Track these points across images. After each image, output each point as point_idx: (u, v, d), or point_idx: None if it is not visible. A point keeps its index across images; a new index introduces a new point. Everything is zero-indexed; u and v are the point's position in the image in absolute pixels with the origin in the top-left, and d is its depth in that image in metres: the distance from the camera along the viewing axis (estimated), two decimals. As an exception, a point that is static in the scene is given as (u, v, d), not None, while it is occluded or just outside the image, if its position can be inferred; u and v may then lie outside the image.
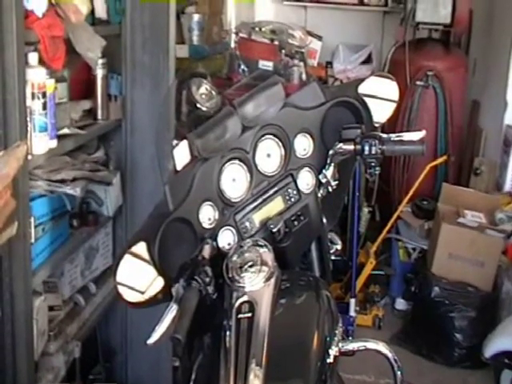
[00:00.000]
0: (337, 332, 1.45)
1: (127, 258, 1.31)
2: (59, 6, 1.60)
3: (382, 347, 1.61)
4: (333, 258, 3.54)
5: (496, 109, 3.63)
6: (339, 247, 1.75)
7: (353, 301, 3.07)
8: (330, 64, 4.47)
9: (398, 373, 1.56)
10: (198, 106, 2.07)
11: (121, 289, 1.33)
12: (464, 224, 2.96)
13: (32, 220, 1.66)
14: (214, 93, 2.18)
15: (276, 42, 3.53)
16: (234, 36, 3.87)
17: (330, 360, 1.39)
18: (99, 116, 2.12)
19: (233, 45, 3.87)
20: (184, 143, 1.40)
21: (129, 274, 1.32)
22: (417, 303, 3.16)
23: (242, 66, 3.24)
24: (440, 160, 3.43)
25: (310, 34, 4.40)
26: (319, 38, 4.48)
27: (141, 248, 1.32)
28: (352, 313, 3.04)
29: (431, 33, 3.99)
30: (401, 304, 3.36)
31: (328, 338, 1.40)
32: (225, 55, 3.73)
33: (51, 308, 1.95)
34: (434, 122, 3.69)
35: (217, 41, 3.79)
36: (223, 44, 3.81)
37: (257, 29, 3.49)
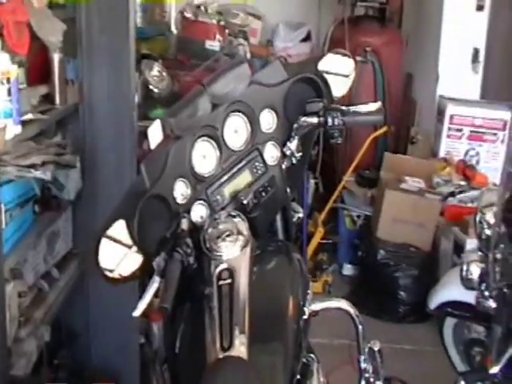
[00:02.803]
0: (309, 293, 1.57)
1: (104, 241, 1.33)
2: (20, -9, 1.64)
3: (344, 304, 1.75)
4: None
5: (428, 81, 3.85)
6: (301, 215, 1.82)
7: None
8: (270, 42, 4.59)
9: (360, 327, 1.70)
10: (151, 87, 2.13)
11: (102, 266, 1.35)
12: (406, 189, 3.17)
13: (2, 206, 1.71)
14: (164, 74, 2.25)
15: (222, 23, 3.62)
16: (176, 17, 3.94)
17: (304, 326, 1.51)
18: (57, 101, 2.12)
19: (174, 25, 3.93)
20: (157, 122, 1.45)
21: (107, 255, 1.34)
22: (363, 267, 3.36)
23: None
24: (381, 131, 3.62)
25: (250, 13, 4.52)
26: (259, 17, 4.59)
27: (119, 226, 1.35)
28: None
29: (367, 10, 4.18)
30: (348, 269, 3.56)
31: (302, 300, 1.51)
32: (166, 36, 3.78)
33: (18, 294, 1.93)
34: (373, 95, 3.88)
35: (158, 22, 3.84)
36: (164, 25, 3.87)
37: (202, 9, 3.56)
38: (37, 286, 2.13)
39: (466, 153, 3.49)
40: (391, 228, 3.16)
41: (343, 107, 1.65)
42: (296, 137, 1.64)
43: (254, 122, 1.60)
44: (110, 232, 1.33)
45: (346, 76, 1.75)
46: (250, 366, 1.25)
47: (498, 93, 3.79)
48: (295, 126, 1.64)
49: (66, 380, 2.35)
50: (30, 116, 1.86)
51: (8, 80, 1.70)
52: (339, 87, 1.74)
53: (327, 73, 1.72)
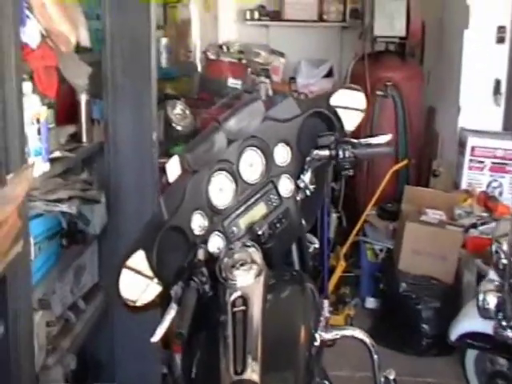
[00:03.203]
0: (321, 322, 1.61)
1: (125, 271, 1.40)
2: (50, 37, 1.75)
3: (359, 333, 1.76)
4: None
5: (450, 113, 3.89)
6: (317, 246, 1.89)
7: (326, 302, 3.26)
8: (293, 79, 4.70)
9: (375, 356, 1.71)
10: (173, 125, 2.22)
11: (123, 296, 1.41)
12: (426, 221, 3.19)
13: (31, 239, 1.80)
14: (187, 112, 2.34)
15: (243, 61, 3.74)
16: (200, 56, 4.07)
17: (316, 349, 1.55)
18: (84, 139, 2.24)
19: (199, 65, 4.06)
20: (175, 158, 1.53)
21: (128, 285, 1.41)
22: (385, 300, 3.36)
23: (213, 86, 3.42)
24: (402, 164, 3.66)
25: (272, 51, 4.64)
26: (282, 54, 4.71)
27: (139, 256, 1.41)
28: (326, 313, 3.23)
29: (388, 45, 4.26)
30: (370, 302, 3.55)
31: (313, 329, 1.55)
32: (191, 76, 3.91)
33: (46, 324, 2.03)
34: (394, 129, 3.93)
35: (183, 62, 3.97)
36: (189, 65, 4.00)
37: (224, 49, 3.68)
38: (64, 317, 2.23)
39: (489, 184, 3.50)
40: (413, 260, 3.17)
41: (354, 140, 1.72)
42: (309, 169, 1.71)
43: (268, 156, 1.67)
44: (129, 263, 1.40)
45: (358, 110, 1.82)
46: (262, 389, 1.29)
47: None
48: (308, 159, 1.71)
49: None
50: (57, 154, 1.96)
51: (38, 120, 1.81)
52: (351, 121, 1.82)
53: (339, 107, 1.79)
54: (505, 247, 1.87)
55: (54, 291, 2.16)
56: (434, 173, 3.79)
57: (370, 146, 1.73)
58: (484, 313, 1.93)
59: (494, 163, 3.49)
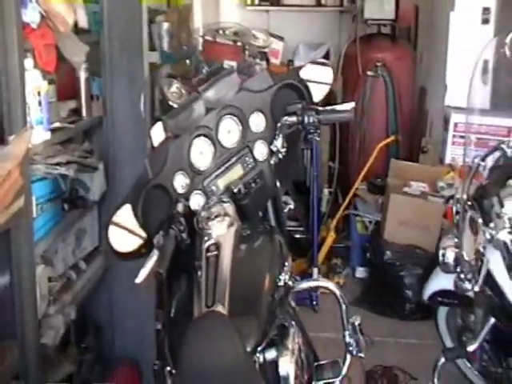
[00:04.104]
0: (285, 270, 1.80)
1: (112, 227, 1.60)
2: (49, 18, 1.94)
3: (330, 285, 2.00)
4: (298, 236, 3.91)
5: (439, 93, 4.04)
6: (292, 207, 2.10)
7: (315, 270, 3.47)
8: (291, 62, 4.87)
9: (343, 306, 1.93)
10: (170, 103, 2.44)
11: (112, 242, 1.63)
12: (409, 193, 3.36)
13: (33, 198, 2.01)
14: (183, 91, 2.57)
15: (239, 44, 3.91)
16: (200, 40, 4.25)
17: (280, 296, 1.74)
18: (84, 113, 2.41)
19: (200, 48, 4.24)
20: (159, 124, 1.72)
21: (117, 237, 1.62)
22: (372, 268, 3.55)
23: (205, 68, 3.59)
24: (388, 140, 3.84)
25: (272, 35, 4.79)
26: (281, 38, 4.85)
27: (126, 209, 1.62)
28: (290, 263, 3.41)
29: (380, 28, 4.42)
30: (360, 272, 3.75)
31: (277, 276, 1.74)
32: (191, 58, 4.09)
33: (49, 279, 2.21)
34: (385, 108, 4.11)
35: (186, 46, 4.14)
36: (191, 48, 4.18)
37: (221, 32, 3.86)
38: (66, 275, 2.41)
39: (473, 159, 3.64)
40: (397, 230, 3.35)
41: (319, 107, 1.90)
42: (280, 135, 1.89)
43: (244, 123, 1.86)
44: (116, 218, 1.61)
45: (325, 83, 2.00)
46: (228, 319, 1.48)
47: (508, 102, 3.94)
48: (279, 125, 1.89)
49: (92, 362, 2.63)
50: (58, 124, 2.16)
51: (39, 93, 2.00)
52: (319, 93, 1.99)
53: (308, 80, 1.98)
54: (459, 207, 2.05)
55: (57, 251, 2.36)
56: (423, 149, 3.96)
57: (332, 111, 1.91)
58: (444, 267, 2.11)
59: (478, 138, 3.64)
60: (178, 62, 3.82)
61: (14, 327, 1.95)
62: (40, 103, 2.01)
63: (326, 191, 4.00)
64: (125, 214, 1.63)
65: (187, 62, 3.92)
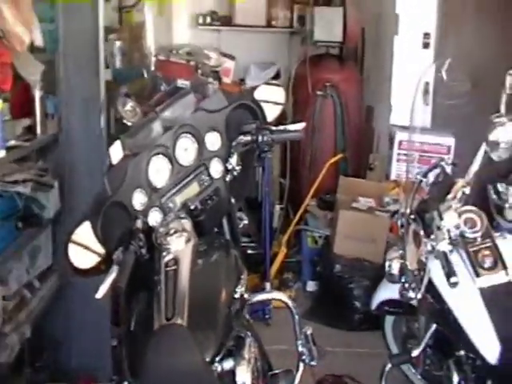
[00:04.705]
0: (241, 283, 1.86)
1: (71, 245, 1.64)
2: (5, 37, 1.97)
3: (282, 296, 2.08)
4: (250, 251, 3.98)
5: (384, 112, 4.23)
6: (246, 222, 2.15)
7: (267, 284, 3.56)
8: (243, 81, 4.98)
9: (296, 316, 2.00)
10: (124, 121, 2.49)
11: (72, 260, 1.67)
12: (357, 208, 3.50)
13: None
14: (137, 110, 2.63)
15: (192, 63, 3.99)
16: (153, 59, 4.31)
17: (236, 308, 1.80)
18: (38, 131, 2.43)
19: (153, 67, 4.30)
20: (117, 143, 1.77)
21: (76, 255, 1.66)
22: (322, 282, 3.66)
23: (163, 86, 3.66)
24: (337, 157, 3.99)
25: (223, 54, 4.90)
26: (232, 58, 4.96)
27: (85, 227, 1.66)
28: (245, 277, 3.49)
29: (328, 49, 4.58)
30: (311, 286, 3.84)
31: (234, 287, 1.80)
32: (146, 77, 4.14)
33: (3, 298, 2.21)
34: (333, 126, 4.27)
35: (138, 64, 4.20)
36: (144, 67, 4.23)
37: (174, 51, 3.93)
38: (20, 294, 2.41)
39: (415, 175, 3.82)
40: (346, 244, 3.47)
41: (272, 127, 1.99)
42: (235, 153, 1.96)
43: (200, 142, 1.92)
44: (75, 237, 1.65)
45: (278, 103, 2.10)
46: (187, 331, 1.54)
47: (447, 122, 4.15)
48: (234, 143, 1.96)
49: (47, 381, 2.63)
50: (12, 142, 2.18)
51: (-5, 112, 2.03)
52: (272, 112, 2.08)
53: (262, 100, 2.07)
54: (403, 221, 2.17)
55: (11, 270, 2.36)
56: (370, 166, 4.12)
57: (285, 131, 2.00)
58: (390, 278, 2.22)
59: (420, 156, 3.82)
60: (131, 80, 3.88)
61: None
62: (-3, 122, 2.04)
63: (277, 207, 4.10)
64: (84, 231, 1.67)
65: (144, 78, 3.99)
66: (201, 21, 5.32)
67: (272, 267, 3.77)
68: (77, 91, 2.56)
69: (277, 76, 5.05)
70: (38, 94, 2.44)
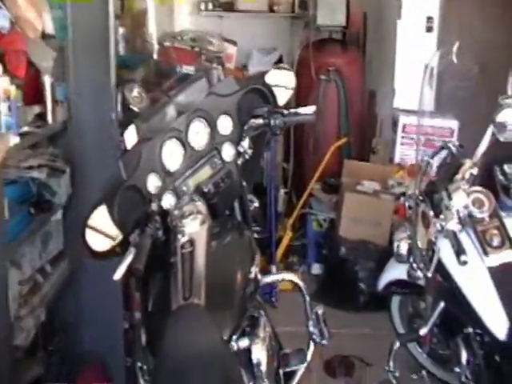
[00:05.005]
0: (255, 264, 1.91)
1: (88, 230, 1.67)
2: (19, 24, 2.00)
3: (292, 277, 2.12)
4: (256, 236, 4.05)
5: (387, 96, 4.25)
6: (257, 205, 2.17)
7: (273, 267, 3.61)
8: (245, 67, 5.00)
9: (307, 297, 2.06)
10: (131, 107, 2.53)
11: (89, 243, 1.70)
12: (362, 191, 3.54)
13: (6, 201, 2.05)
14: (143, 95, 2.66)
15: (196, 49, 4.02)
16: (156, 45, 4.33)
17: (251, 289, 1.85)
18: (49, 118, 2.44)
19: (156, 53, 4.32)
20: (132, 127, 1.81)
21: (93, 238, 1.69)
22: (328, 264, 3.71)
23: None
24: (341, 141, 4.02)
25: (226, 40, 4.92)
26: (234, 43, 4.99)
27: (101, 210, 1.69)
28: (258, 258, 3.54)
29: (331, 34, 4.60)
30: (316, 268, 3.89)
31: (248, 267, 1.85)
32: (149, 63, 4.16)
33: (18, 282, 2.24)
34: (337, 110, 4.30)
35: (141, 51, 4.21)
36: (146, 53, 4.25)
37: (179, 38, 3.95)
38: (33, 279, 2.44)
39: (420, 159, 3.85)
40: (351, 227, 3.52)
41: (283, 110, 2.02)
42: (247, 136, 1.99)
43: (212, 126, 1.95)
44: (91, 222, 1.67)
45: (288, 88, 2.13)
46: (205, 310, 1.58)
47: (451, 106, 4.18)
48: (245, 127, 1.99)
49: (59, 364, 2.68)
50: (26, 129, 2.21)
51: (8, 98, 2.05)
52: (282, 96, 2.11)
53: (272, 85, 2.10)
54: (412, 202, 2.21)
55: (24, 254, 2.40)
56: (373, 150, 4.16)
57: (296, 114, 2.03)
58: (398, 258, 2.27)
59: (424, 139, 3.85)
60: (135, 66, 3.90)
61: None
62: (10, 108, 2.06)
63: (281, 191, 4.14)
64: (100, 215, 1.70)
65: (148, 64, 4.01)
66: (203, 7, 5.31)
67: (278, 251, 3.82)
68: (87, 78, 2.57)
69: (279, 61, 5.07)
70: (48, 81, 2.45)
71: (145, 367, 1.80)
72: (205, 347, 1.52)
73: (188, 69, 3.82)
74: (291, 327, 3.26)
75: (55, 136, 2.63)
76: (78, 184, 2.66)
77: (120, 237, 1.72)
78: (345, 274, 3.53)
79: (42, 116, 2.50)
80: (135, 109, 2.64)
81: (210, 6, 5.31)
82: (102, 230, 1.70)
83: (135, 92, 3.16)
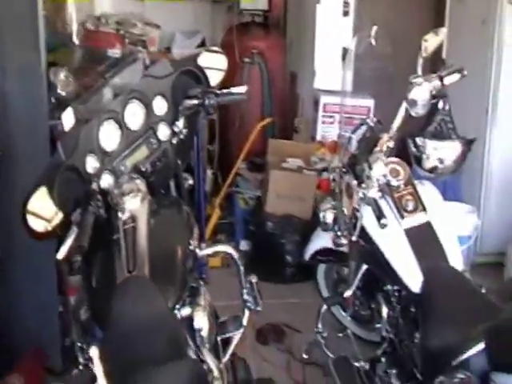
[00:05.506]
0: (194, 237, 2.02)
1: (28, 216, 1.65)
2: None
3: (228, 248, 2.23)
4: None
5: (308, 77, 4.43)
6: (191, 182, 2.26)
7: (203, 245, 3.69)
8: (168, 49, 5.04)
9: (241, 267, 2.18)
10: (59, 91, 2.55)
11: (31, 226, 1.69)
12: (287, 168, 3.71)
13: None
14: (70, 79, 2.69)
15: (121, 32, 4.03)
16: (78, 28, 4.29)
17: (190, 262, 1.95)
18: None
19: (75, 36, 4.29)
20: (69, 109, 1.83)
21: (33, 220, 1.67)
22: (255, 240, 3.85)
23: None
24: (266, 121, 4.18)
25: (148, 23, 4.94)
26: (157, 27, 5.01)
27: (41, 192, 1.68)
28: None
29: (254, 18, 4.73)
30: (244, 245, 3.99)
31: (187, 241, 1.96)
32: (69, 46, 4.13)
33: None
34: (260, 91, 4.44)
35: (61, 33, 4.17)
36: (66, 36, 4.21)
37: (103, 21, 3.95)
38: None
39: (339, 136, 4.07)
40: (277, 203, 3.68)
41: (216, 91, 2.13)
42: (182, 117, 2.06)
43: (148, 107, 2.00)
44: (30, 206, 1.67)
45: (220, 69, 2.23)
46: (149, 280, 1.66)
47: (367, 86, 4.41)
48: (180, 108, 2.05)
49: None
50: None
51: None
52: (215, 78, 2.21)
53: (205, 67, 2.20)
54: (335, 175, 2.39)
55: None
56: (296, 129, 4.34)
57: (229, 94, 2.14)
58: (324, 227, 2.45)
59: (343, 118, 4.06)
60: (56, 49, 3.86)
61: None
62: None
63: (209, 172, 4.25)
64: (40, 197, 1.70)
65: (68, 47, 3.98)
66: (124, -11, 5.29)
67: (206, 229, 3.93)
68: (13, 60, 2.53)
69: (202, 44, 5.14)
70: (-27, 62, 2.44)
71: (84, 346, 1.87)
72: (152, 314, 1.61)
73: (114, 52, 3.84)
74: (223, 302, 3.40)
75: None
76: (9, 169, 2.62)
77: (60, 217, 1.73)
78: (272, 249, 3.69)
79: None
80: (62, 93, 2.66)
81: (132, -11, 5.30)
82: (41, 212, 1.70)
83: (62, 76, 3.17)
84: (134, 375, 1.44)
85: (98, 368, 1.53)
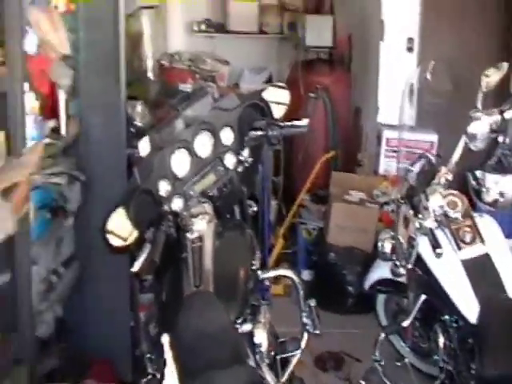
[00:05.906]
0: (256, 259, 2.16)
1: (108, 225, 1.85)
2: (43, 46, 2.23)
3: (289, 273, 2.35)
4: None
5: (371, 112, 4.53)
6: (255, 209, 2.39)
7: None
8: (237, 85, 5.27)
9: (301, 291, 2.28)
10: (135, 122, 2.76)
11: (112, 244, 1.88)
12: (349, 200, 3.80)
13: (32, 205, 2.26)
14: (146, 112, 2.90)
15: (193, 68, 4.27)
16: (152, 65, 4.57)
17: (252, 283, 2.09)
18: (63, 131, 2.64)
19: (151, 72, 4.56)
20: (146, 138, 2.03)
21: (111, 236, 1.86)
22: (317, 269, 3.94)
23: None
24: (329, 155, 4.28)
25: (218, 60, 5.20)
26: (227, 63, 5.27)
27: (119, 211, 1.87)
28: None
29: (319, 54, 4.90)
30: (306, 275, 4.07)
31: (250, 261, 2.10)
32: (143, 82, 4.40)
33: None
34: (324, 125, 4.57)
35: (137, 69, 4.45)
36: (143, 72, 4.49)
37: (176, 57, 4.20)
38: (48, 279, 2.62)
39: (398, 169, 4.13)
40: (339, 234, 3.76)
41: (280, 123, 2.27)
42: (247, 146, 2.22)
43: (216, 137, 2.16)
44: (110, 225, 1.85)
45: (283, 103, 2.38)
46: (213, 295, 1.81)
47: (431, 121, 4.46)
48: (246, 138, 2.21)
49: (70, 359, 2.86)
50: (47, 140, 2.44)
51: (33, 112, 2.29)
52: (278, 111, 2.35)
53: (269, 100, 2.35)
54: (394, 206, 2.47)
55: (40, 256, 2.61)
56: (359, 163, 4.42)
57: (292, 126, 2.27)
58: (383, 256, 2.52)
59: (406, 152, 4.13)
60: (133, 84, 4.12)
61: (14, 321, 2.20)
62: (35, 121, 2.30)
63: (273, 203, 4.38)
64: (118, 217, 1.88)
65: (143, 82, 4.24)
66: (196, 28, 5.59)
67: (270, 258, 4.05)
68: (98, 96, 2.78)
69: (269, 80, 5.36)
70: (63, 97, 2.68)
71: (153, 357, 2.02)
72: (216, 326, 1.75)
73: (185, 87, 4.07)
74: (283, 328, 3.49)
75: (66, 148, 2.85)
76: (89, 194, 2.83)
77: (135, 235, 1.90)
78: (333, 279, 3.76)
79: (55, 130, 2.72)
80: (139, 124, 2.88)
81: (203, 27, 5.60)
82: (119, 230, 1.88)
83: (138, 108, 3.43)
84: (198, 378, 1.57)
85: (167, 354, 1.67)
